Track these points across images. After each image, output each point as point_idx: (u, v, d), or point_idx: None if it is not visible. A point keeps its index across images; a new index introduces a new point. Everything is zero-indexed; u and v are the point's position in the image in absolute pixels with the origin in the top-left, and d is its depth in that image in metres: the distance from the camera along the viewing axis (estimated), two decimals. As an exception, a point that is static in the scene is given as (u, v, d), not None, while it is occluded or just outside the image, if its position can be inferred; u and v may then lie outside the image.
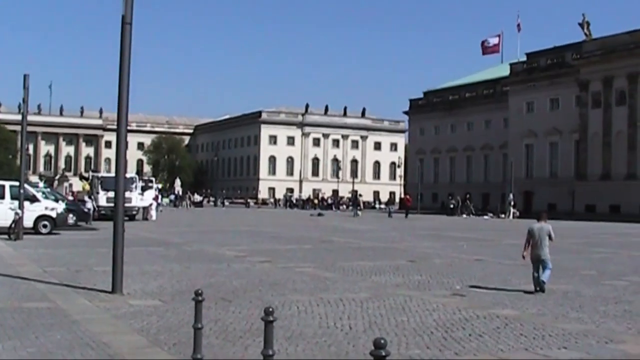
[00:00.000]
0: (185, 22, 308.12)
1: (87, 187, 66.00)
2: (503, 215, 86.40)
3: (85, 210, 49.71)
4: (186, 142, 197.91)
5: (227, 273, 22.49)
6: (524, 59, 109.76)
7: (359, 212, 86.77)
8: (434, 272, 23.53)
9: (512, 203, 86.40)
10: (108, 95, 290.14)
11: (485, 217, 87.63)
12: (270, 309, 8.74)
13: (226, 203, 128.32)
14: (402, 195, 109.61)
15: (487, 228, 59.63)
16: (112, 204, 21.60)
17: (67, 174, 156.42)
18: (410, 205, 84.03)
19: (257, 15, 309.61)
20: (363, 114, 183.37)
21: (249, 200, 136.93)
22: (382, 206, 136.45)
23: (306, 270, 23.50)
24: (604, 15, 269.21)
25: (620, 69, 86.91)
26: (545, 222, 20.76)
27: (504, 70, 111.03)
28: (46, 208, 38.91)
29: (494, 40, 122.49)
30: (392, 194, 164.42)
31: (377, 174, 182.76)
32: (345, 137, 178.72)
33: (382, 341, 7.13)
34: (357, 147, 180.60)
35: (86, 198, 52.01)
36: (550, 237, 20.44)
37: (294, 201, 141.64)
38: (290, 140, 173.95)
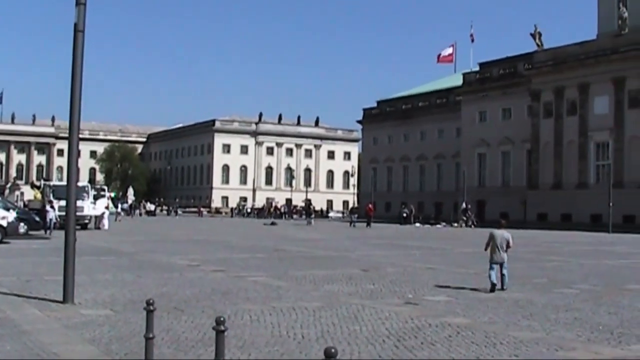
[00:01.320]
0: (139, 29, 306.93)
1: (39, 195, 65.30)
2: (456, 224, 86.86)
3: (48, 219, 49.34)
4: (139, 150, 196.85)
5: (180, 282, 22.38)
6: (477, 69, 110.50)
7: (312, 221, 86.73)
8: (386, 281, 23.57)
9: (466, 212, 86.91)
10: (60, 103, 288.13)
11: (439, 225, 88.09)
12: (222, 319, 8.73)
13: (179, 212, 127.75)
14: (355, 205, 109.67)
15: (440, 237, 59.89)
16: (63, 213, 21.44)
17: (18, 182, 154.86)
18: (372, 215, 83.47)
19: (209, 23, 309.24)
20: (317, 123, 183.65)
21: (202, 209, 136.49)
22: (340, 215, 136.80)
23: (259, 279, 23.46)
24: (555, 26, 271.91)
25: (571, 79, 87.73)
26: (505, 229, 22.21)
27: (457, 80, 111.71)
28: (-4, 217, 38.44)
29: (447, 50, 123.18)
30: (345, 202, 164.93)
31: (330, 183, 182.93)
32: (298, 146, 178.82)
33: (333, 350, 7.15)
34: (310, 156, 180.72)
35: (48, 207, 51.52)
36: (508, 244, 21.85)
37: (248, 210, 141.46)
38: (244, 149, 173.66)
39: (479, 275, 24.62)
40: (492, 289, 21.02)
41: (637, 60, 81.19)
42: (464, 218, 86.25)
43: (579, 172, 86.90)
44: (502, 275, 21.52)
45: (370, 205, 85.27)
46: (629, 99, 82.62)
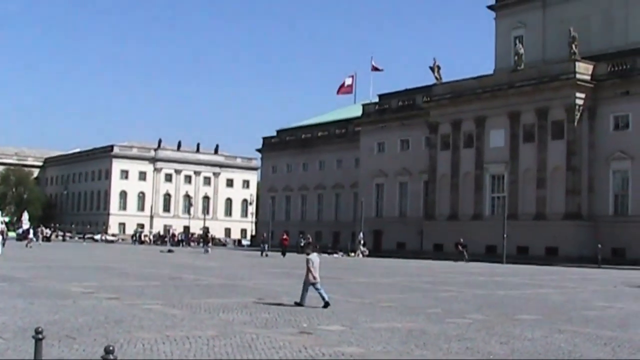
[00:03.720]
0: (36, 51, 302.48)
1: None
2: (353, 254, 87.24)
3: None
4: (35, 174, 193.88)
5: (73, 310, 22.00)
6: (376, 100, 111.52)
7: (209, 249, 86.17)
8: (282, 310, 23.52)
9: (362, 242, 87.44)
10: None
11: (336, 255, 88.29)
12: (111, 348, 8.61)
13: (76, 238, 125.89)
14: (253, 233, 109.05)
15: (337, 266, 60.00)
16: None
17: None
18: (287, 245, 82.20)
19: (109, 47, 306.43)
20: (216, 151, 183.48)
21: (98, 235, 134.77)
22: (248, 242, 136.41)
23: (154, 307, 23.20)
24: (454, 61, 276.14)
25: (469, 112, 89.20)
26: (317, 253, 25.86)
27: (357, 111, 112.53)
28: None
29: (347, 81, 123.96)
30: (244, 230, 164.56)
31: (229, 211, 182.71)
32: (197, 173, 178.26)
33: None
34: (209, 183, 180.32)
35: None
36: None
37: (144, 237, 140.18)
38: (142, 176, 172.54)
39: (374, 305, 24.75)
40: (301, 304, 24.15)
41: (532, 95, 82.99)
42: (361, 248, 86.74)
43: (475, 203, 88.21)
44: (322, 293, 24.20)
45: (285, 236, 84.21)
46: (524, 133, 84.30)
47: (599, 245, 71.26)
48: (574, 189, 79.86)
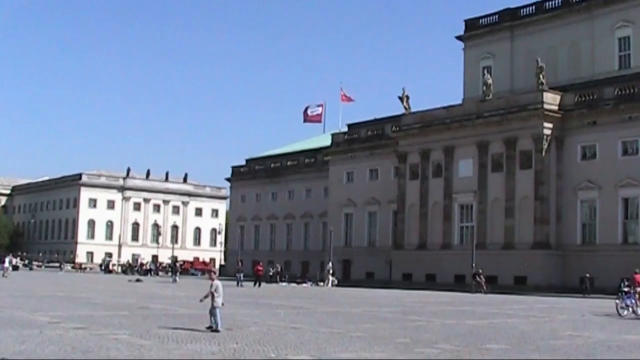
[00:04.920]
0: (1, 78, 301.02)
1: None
2: (322, 283, 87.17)
3: None
4: (2, 202, 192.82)
5: (39, 340, 21.79)
6: (346, 129, 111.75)
7: (177, 278, 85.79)
8: (250, 340, 23.42)
9: (331, 271, 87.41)
10: None
11: (305, 284, 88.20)
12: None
13: (43, 267, 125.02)
14: (222, 262, 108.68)
15: (306, 296, 59.91)
16: None
17: None
18: (260, 275, 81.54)
19: (77, 75, 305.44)
20: (185, 180, 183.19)
21: (66, 264, 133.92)
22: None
23: (121, 337, 23.04)
24: (423, 90, 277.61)
25: (437, 142, 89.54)
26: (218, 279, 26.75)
27: (326, 140, 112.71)
28: None
29: (316, 110, 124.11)
30: (212, 260, 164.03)
31: (197, 240, 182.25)
32: (166, 202, 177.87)
33: None
34: (178, 212, 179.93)
35: None
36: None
37: (112, 266, 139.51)
38: (111, 204, 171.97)
39: (343, 335, 24.72)
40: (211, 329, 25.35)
41: (500, 125, 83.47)
42: (330, 277, 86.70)
43: (444, 233, 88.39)
44: (219, 317, 25.59)
45: (258, 267, 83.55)
46: (492, 162, 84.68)
47: (587, 275, 71.50)
48: (542, 219, 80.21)
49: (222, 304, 26.22)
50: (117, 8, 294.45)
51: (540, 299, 63.07)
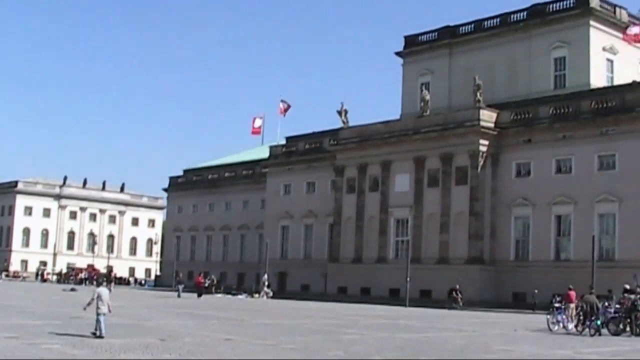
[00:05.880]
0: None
1: None
2: (257, 295, 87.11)
3: None
4: None
5: (-31, 348, 21.63)
6: (284, 142, 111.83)
7: (112, 288, 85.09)
8: (183, 351, 23.44)
9: (267, 283, 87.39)
10: None
11: (240, 296, 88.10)
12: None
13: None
14: (158, 272, 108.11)
15: (241, 307, 59.89)
16: None
17: None
18: (202, 286, 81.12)
19: (9, 80, 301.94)
20: (122, 189, 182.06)
21: (2, 272, 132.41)
22: (143, 282, 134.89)
23: (53, 347, 22.93)
24: (362, 105, 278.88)
25: (374, 156, 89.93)
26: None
27: (264, 152, 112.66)
28: None
29: (256, 122, 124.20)
30: (148, 270, 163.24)
31: (133, 250, 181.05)
32: (102, 211, 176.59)
33: None
34: (114, 221, 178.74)
35: None
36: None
37: (47, 275, 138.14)
38: (46, 212, 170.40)
39: (276, 347, 24.80)
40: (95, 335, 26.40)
41: (437, 141, 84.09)
42: (265, 289, 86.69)
43: (379, 247, 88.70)
44: (101, 325, 26.86)
45: (199, 278, 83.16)
46: (429, 177, 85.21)
47: (536, 291, 72.06)
48: (476, 234, 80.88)
49: (110, 311, 27.79)
50: (43, 10, 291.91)
51: (473, 314, 63.71)
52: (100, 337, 25.85)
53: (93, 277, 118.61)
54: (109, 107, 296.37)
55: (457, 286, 74.08)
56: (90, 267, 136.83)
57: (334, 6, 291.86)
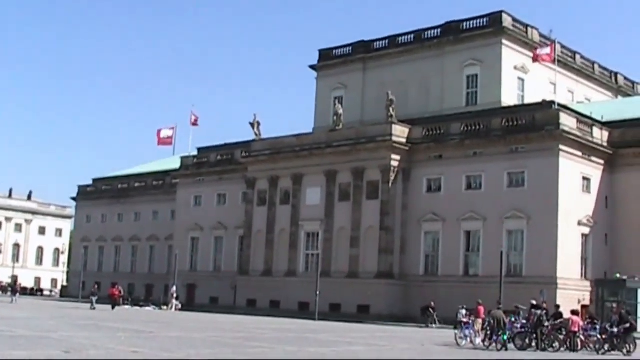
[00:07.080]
0: None
1: None
2: (165, 307, 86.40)
3: None
4: None
5: None
6: (196, 153, 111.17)
7: (17, 299, 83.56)
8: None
9: (175, 295, 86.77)
10: None
11: (148, 308, 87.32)
12: None
13: None
14: (64, 283, 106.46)
15: (148, 320, 59.23)
16: None
17: None
18: (117, 298, 79.94)
19: None
20: (29, 197, 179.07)
21: None
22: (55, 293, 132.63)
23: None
24: (275, 117, 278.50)
25: (286, 169, 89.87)
26: None
27: (175, 163, 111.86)
28: None
29: (167, 133, 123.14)
30: (54, 280, 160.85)
31: (40, 260, 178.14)
32: (8, 219, 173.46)
33: None
34: (20, 230, 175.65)
35: None
36: None
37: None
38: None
39: None
40: None
41: (349, 155, 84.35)
42: (174, 301, 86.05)
43: (289, 260, 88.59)
44: None
45: (114, 289, 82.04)
46: (340, 191, 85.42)
47: (430, 305, 72.26)
48: (386, 249, 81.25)
49: None
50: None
51: (382, 328, 63.98)
52: None
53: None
54: (16, 113, 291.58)
55: (432, 303, 72.32)
56: None
57: (249, 18, 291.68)
